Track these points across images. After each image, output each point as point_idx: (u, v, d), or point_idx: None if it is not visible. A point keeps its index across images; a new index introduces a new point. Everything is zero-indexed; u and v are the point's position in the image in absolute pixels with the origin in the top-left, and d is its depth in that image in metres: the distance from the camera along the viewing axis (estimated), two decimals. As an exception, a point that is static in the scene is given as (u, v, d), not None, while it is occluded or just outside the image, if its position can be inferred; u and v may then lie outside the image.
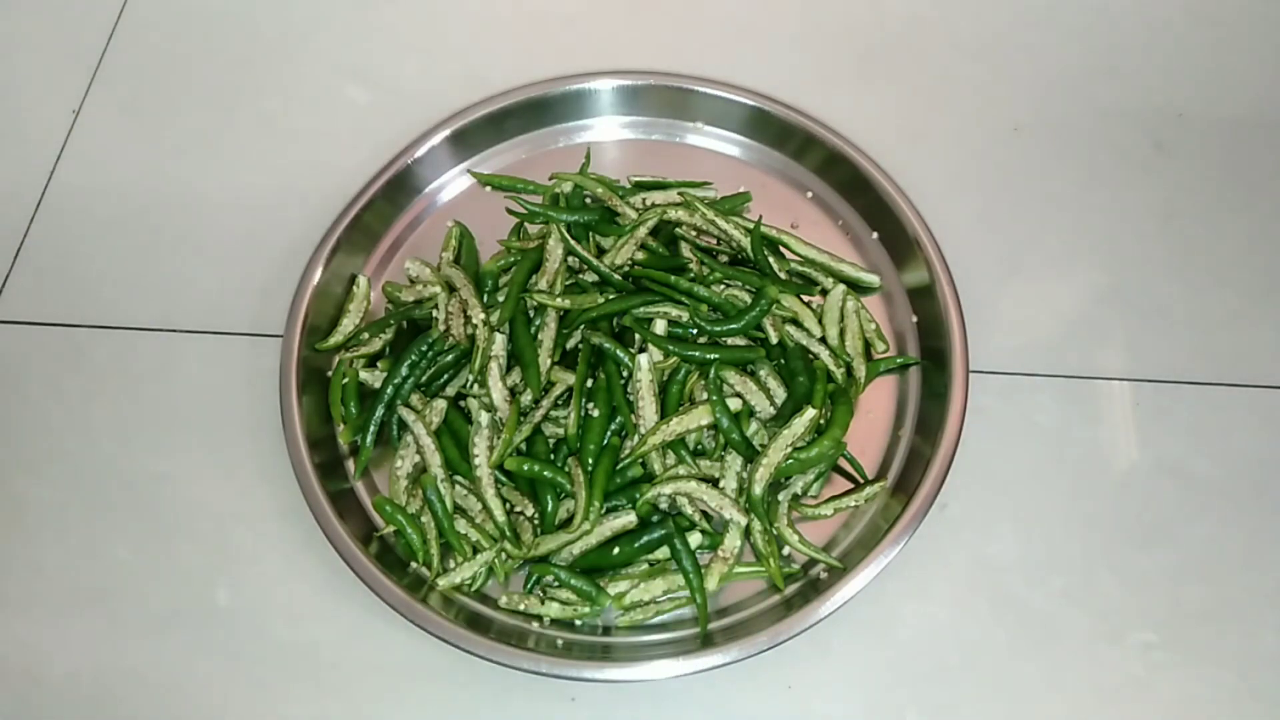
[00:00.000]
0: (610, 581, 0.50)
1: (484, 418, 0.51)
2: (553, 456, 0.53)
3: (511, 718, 0.49)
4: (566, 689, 0.49)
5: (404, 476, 0.52)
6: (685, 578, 0.49)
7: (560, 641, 0.49)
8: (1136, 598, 0.51)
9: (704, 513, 0.51)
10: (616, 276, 0.55)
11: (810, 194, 0.62)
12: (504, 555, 0.51)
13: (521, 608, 0.50)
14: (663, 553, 0.51)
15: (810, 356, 0.55)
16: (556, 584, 0.50)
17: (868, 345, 0.56)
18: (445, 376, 0.55)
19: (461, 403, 0.54)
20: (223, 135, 0.66)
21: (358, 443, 0.53)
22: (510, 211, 0.61)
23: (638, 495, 0.50)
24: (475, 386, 0.53)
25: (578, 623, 0.50)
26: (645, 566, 0.51)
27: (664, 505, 0.52)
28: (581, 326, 0.55)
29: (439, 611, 0.48)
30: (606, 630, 0.50)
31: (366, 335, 0.56)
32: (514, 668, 0.47)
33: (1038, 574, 0.52)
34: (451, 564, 0.51)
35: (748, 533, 0.51)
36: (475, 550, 0.51)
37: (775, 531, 0.51)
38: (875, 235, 0.59)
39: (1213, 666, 0.50)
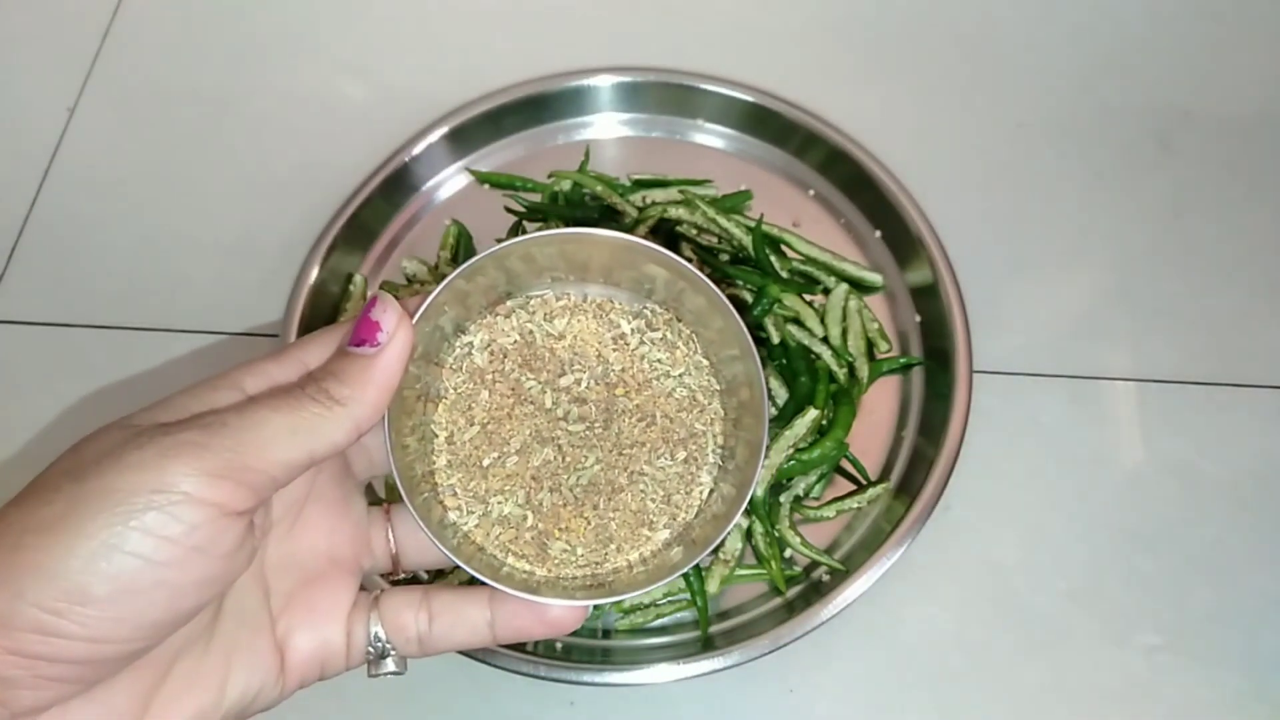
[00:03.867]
0: (610, 584, 0.50)
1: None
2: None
3: (510, 722, 0.49)
4: (565, 693, 0.49)
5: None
6: (686, 580, 0.49)
7: (559, 645, 0.48)
8: (1142, 599, 0.51)
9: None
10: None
11: (812, 192, 0.61)
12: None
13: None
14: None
15: (812, 356, 0.54)
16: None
17: (870, 345, 0.56)
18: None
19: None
20: (218, 133, 0.66)
21: (355, 444, 0.53)
22: (509, 210, 0.60)
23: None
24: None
25: (577, 626, 0.50)
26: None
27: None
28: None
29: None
30: (606, 634, 0.49)
31: (364, 335, 0.55)
32: (512, 671, 0.46)
33: (1042, 576, 0.52)
34: (449, 566, 0.50)
35: (749, 535, 0.50)
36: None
37: (777, 534, 0.50)
38: (878, 234, 0.59)
39: (1218, 669, 0.49)
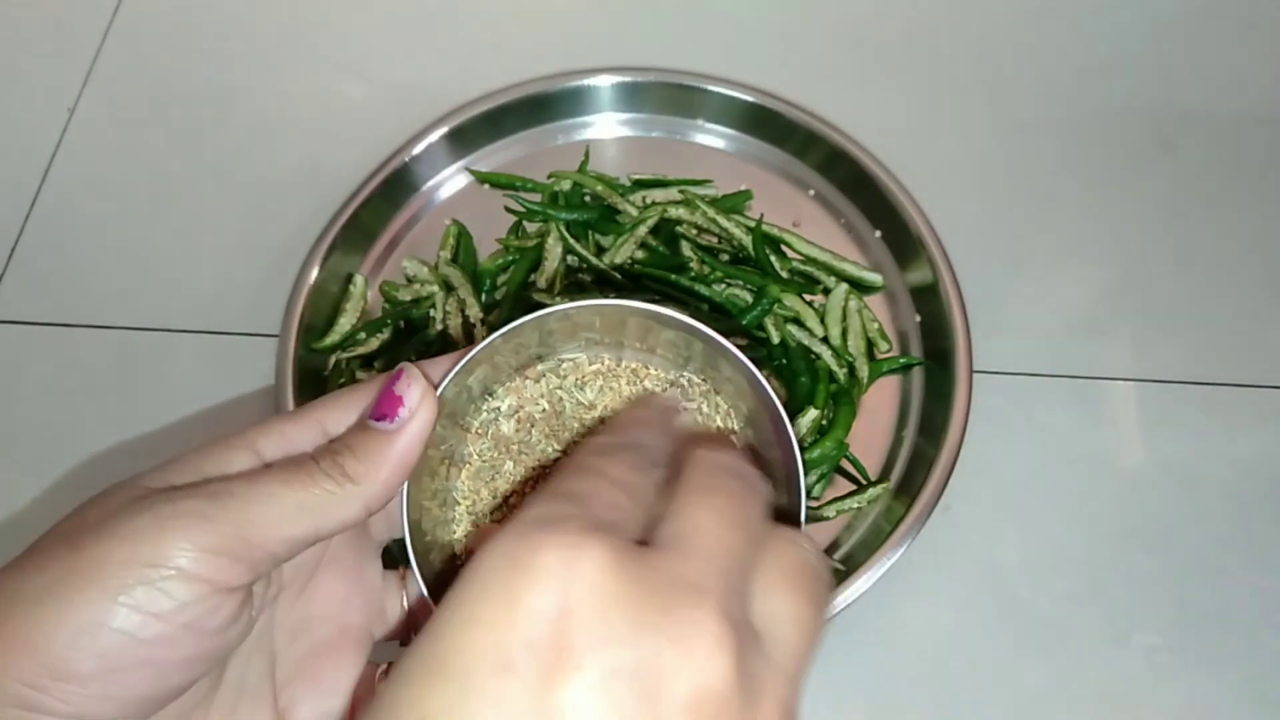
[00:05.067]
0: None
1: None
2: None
3: None
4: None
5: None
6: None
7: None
8: (1142, 600, 0.51)
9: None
10: (616, 275, 0.55)
11: (812, 192, 0.61)
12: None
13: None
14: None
15: (812, 356, 0.54)
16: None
17: (870, 345, 0.56)
18: (443, 377, 0.54)
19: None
20: (218, 133, 0.66)
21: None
22: (509, 210, 0.60)
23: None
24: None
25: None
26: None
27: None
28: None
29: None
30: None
31: (363, 335, 0.55)
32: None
33: (1042, 576, 0.52)
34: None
35: (749, 535, 0.50)
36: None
37: (777, 534, 0.50)
38: (878, 234, 0.59)
39: (1219, 669, 0.49)
